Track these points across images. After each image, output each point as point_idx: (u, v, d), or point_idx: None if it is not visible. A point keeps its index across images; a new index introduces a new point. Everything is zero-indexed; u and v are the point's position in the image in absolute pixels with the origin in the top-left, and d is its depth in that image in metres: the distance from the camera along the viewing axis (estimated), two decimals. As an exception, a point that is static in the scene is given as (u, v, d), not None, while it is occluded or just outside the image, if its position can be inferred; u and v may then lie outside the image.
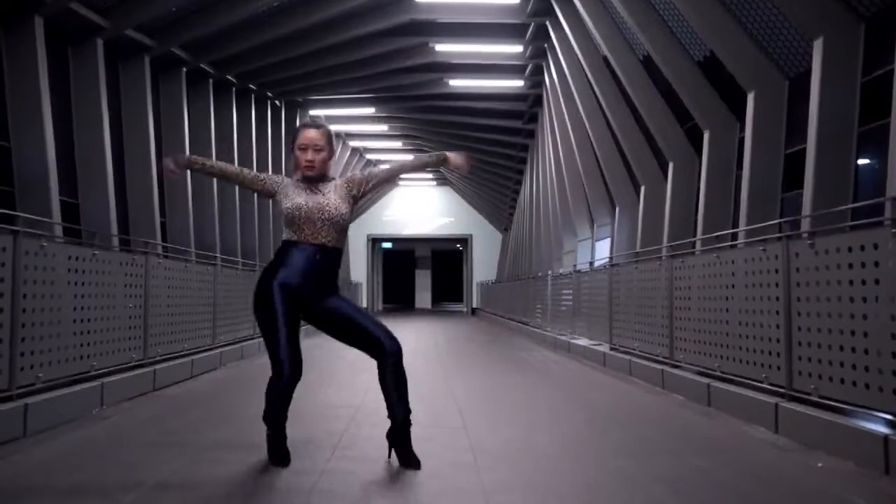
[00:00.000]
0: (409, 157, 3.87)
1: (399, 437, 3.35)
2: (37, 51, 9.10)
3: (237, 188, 14.97)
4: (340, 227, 3.36)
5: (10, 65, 9.11)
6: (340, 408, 4.96)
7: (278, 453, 3.39)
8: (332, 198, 3.35)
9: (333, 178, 3.49)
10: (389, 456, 3.44)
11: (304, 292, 3.29)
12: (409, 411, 3.34)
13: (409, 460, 3.34)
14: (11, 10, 9.01)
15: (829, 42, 6.63)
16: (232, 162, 14.84)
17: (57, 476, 3.25)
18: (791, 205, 7.70)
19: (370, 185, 3.51)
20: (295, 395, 3.33)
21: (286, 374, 3.23)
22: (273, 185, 3.41)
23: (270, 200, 3.49)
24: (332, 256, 3.36)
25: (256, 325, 3.38)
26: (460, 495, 2.98)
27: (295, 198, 3.32)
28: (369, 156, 26.40)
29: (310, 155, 3.36)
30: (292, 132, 3.49)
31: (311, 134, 3.38)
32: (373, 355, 3.35)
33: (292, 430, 3.54)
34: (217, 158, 13.84)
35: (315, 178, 3.39)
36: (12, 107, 9.15)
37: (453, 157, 3.52)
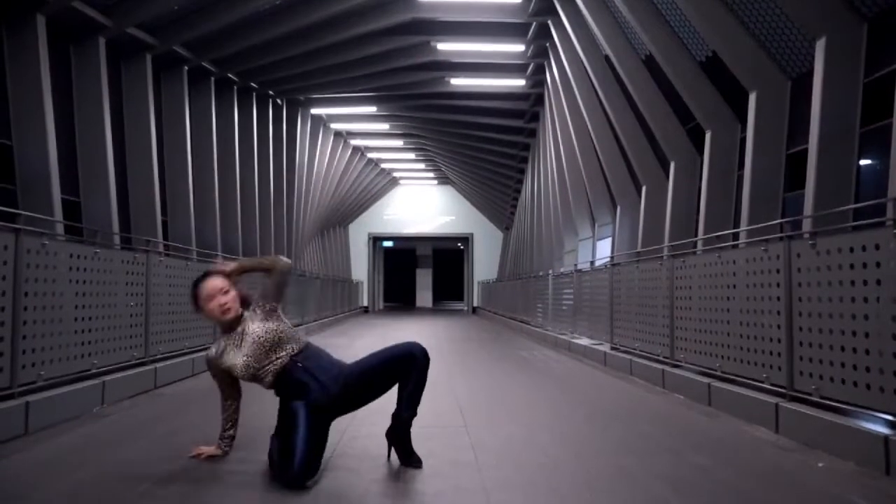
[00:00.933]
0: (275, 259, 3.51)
1: (399, 434, 3.36)
2: (38, 49, 9.10)
3: (238, 189, 14.99)
4: (284, 340, 3.30)
5: (11, 63, 9.11)
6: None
7: (408, 457, 3.41)
8: (254, 328, 3.30)
9: (244, 311, 3.39)
10: (389, 456, 3.44)
11: (329, 396, 3.25)
12: (414, 414, 3.36)
13: (409, 459, 3.35)
14: (13, 9, 9.01)
15: (832, 42, 6.62)
16: (233, 163, 14.86)
17: (58, 474, 3.26)
18: (793, 205, 7.70)
19: (273, 293, 3.40)
20: None
21: (297, 472, 3.04)
22: (217, 370, 3.38)
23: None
24: (305, 354, 3.33)
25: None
26: (461, 493, 2.98)
27: (233, 360, 3.28)
28: (370, 154, 26.40)
29: (221, 299, 3.30)
30: (191, 293, 3.38)
31: (211, 283, 3.33)
32: (407, 369, 3.31)
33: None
34: (218, 157, 14.02)
35: (234, 322, 3.34)
36: (14, 105, 9.15)
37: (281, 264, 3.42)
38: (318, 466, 3.15)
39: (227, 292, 3.33)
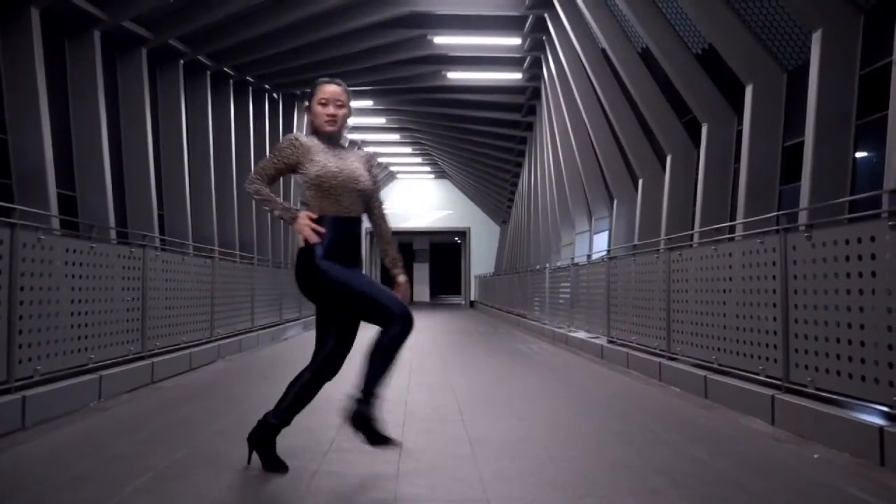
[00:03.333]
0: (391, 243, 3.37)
1: (361, 418, 3.04)
2: (33, 43, 9.05)
3: (234, 181, 14.95)
4: (364, 201, 3.18)
5: (6, 57, 9.06)
6: (338, 400, 4.97)
7: (272, 464, 3.19)
8: (360, 168, 3.16)
9: (346, 146, 3.30)
10: (365, 435, 3.04)
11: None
12: (377, 396, 3.04)
13: (376, 439, 3.04)
14: (7, 2, 8.96)
15: (828, 34, 6.62)
16: (229, 157, 14.82)
17: (56, 468, 3.25)
18: (789, 197, 7.71)
19: (373, 192, 3.25)
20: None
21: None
22: (293, 157, 3.07)
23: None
24: (359, 229, 3.21)
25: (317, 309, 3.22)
26: (458, 485, 2.99)
27: (325, 162, 3.05)
28: (367, 148, 26.38)
29: (332, 109, 3.16)
30: (311, 89, 3.25)
31: (333, 88, 3.19)
32: (382, 323, 3.02)
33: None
34: (214, 151, 14.00)
35: (334, 139, 3.21)
36: (9, 99, 9.12)
37: (402, 282, 3.28)
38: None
39: (340, 106, 3.19)
